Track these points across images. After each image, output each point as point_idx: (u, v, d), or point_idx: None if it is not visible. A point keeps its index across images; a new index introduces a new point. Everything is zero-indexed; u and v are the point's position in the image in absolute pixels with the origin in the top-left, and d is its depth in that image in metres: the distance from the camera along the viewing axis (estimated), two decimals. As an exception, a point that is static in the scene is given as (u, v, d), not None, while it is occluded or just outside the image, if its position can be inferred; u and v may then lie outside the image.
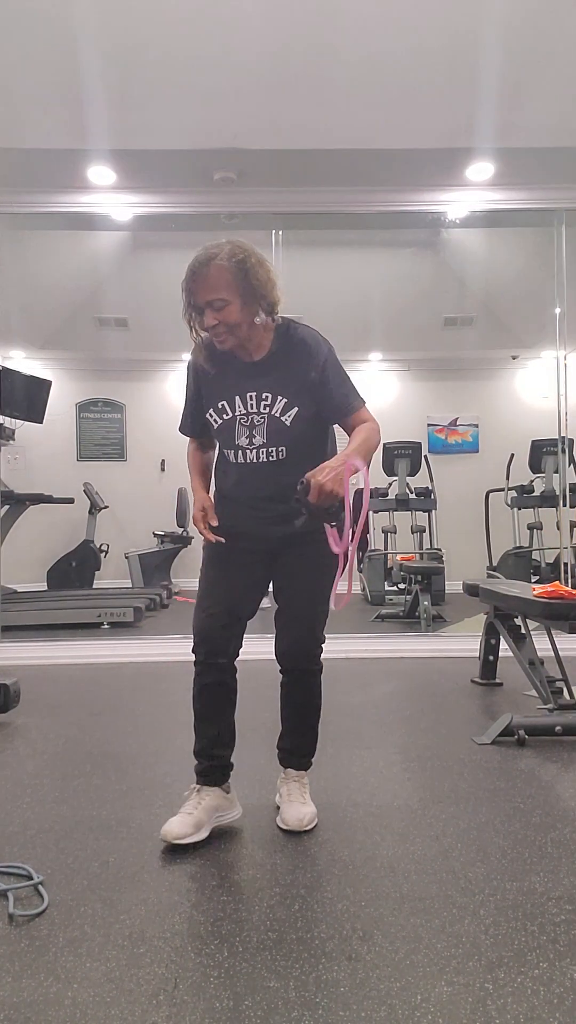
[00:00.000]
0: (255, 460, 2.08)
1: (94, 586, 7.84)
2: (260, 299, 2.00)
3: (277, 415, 2.05)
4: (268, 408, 2.06)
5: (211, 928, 1.67)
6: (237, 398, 2.08)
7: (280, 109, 4.10)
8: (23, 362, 8.17)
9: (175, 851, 2.03)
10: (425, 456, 7.51)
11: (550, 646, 3.47)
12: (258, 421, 2.06)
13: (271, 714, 2.32)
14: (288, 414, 2.05)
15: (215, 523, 2.12)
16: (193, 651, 2.16)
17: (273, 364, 2.07)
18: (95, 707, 3.66)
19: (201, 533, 2.13)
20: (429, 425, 8.71)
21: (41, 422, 7.35)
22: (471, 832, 2.16)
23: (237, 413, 2.08)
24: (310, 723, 2.28)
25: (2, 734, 3.20)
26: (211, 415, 2.13)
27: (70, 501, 7.54)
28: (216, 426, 2.13)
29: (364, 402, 2.11)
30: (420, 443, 7.52)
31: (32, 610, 5.96)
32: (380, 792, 2.48)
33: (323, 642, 2.23)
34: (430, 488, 7.57)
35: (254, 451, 2.08)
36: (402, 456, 7.26)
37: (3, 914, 1.72)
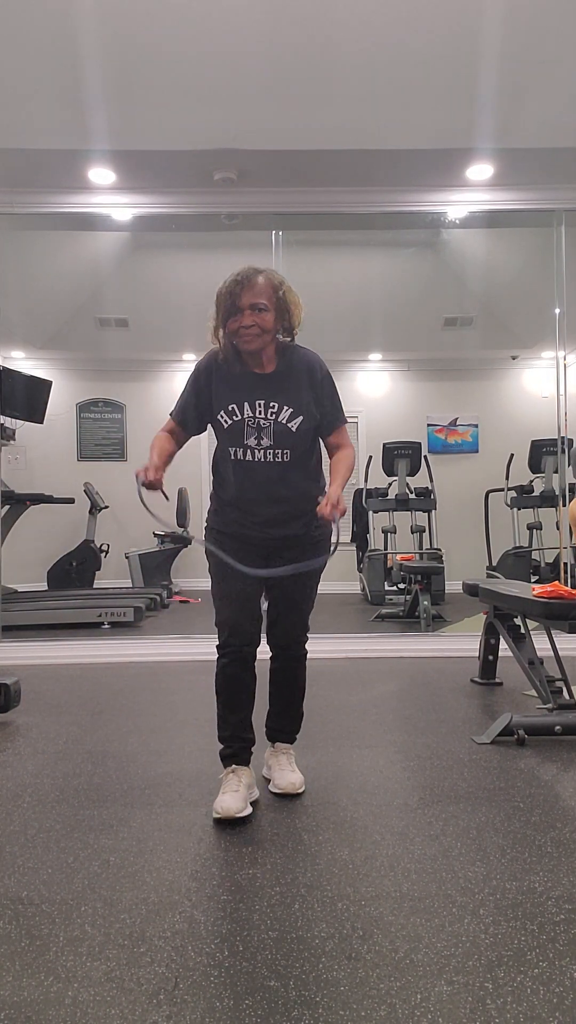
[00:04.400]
0: (262, 460, 2.35)
1: (94, 586, 7.84)
2: (287, 318, 2.34)
3: (284, 422, 2.33)
4: (275, 415, 2.33)
5: (211, 928, 1.67)
6: (246, 404, 2.34)
7: (280, 109, 4.10)
8: (24, 362, 8.18)
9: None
10: (425, 456, 7.52)
11: (550, 646, 3.48)
12: (264, 425, 2.34)
13: (260, 708, 2.36)
14: (294, 422, 2.34)
15: (154, 476, 2.30)
16: (224, 644, 2.38)
17: (279, 378, 2.37)
18: (96, 707, 3.67)
19: (143, 477, 2.32)
20: (429, 425, 8.72)
21: (42, 422, 7.35)
22: (471, 831, 2.16)
23: (245, 416, 2.34)
24: (298, 703, 2.58)
25: (3, 733, 3.21)
26: (221, 416, 2.36)
27: (70, 501, 7.55)
28: (226, 426, 2.36)
29: (346, 421, 2.45)
30: (420, 443, 7.53)
31: (33, 610, 5.96)
32: (380, 791, 2.49)
33: (309, 630, 2.56)
34: (430, 488, 7.57)
35: (262, 451, 2.35)
36: (402, 456, 7.27)
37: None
